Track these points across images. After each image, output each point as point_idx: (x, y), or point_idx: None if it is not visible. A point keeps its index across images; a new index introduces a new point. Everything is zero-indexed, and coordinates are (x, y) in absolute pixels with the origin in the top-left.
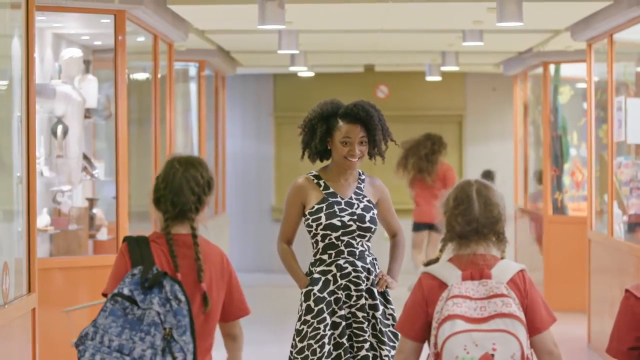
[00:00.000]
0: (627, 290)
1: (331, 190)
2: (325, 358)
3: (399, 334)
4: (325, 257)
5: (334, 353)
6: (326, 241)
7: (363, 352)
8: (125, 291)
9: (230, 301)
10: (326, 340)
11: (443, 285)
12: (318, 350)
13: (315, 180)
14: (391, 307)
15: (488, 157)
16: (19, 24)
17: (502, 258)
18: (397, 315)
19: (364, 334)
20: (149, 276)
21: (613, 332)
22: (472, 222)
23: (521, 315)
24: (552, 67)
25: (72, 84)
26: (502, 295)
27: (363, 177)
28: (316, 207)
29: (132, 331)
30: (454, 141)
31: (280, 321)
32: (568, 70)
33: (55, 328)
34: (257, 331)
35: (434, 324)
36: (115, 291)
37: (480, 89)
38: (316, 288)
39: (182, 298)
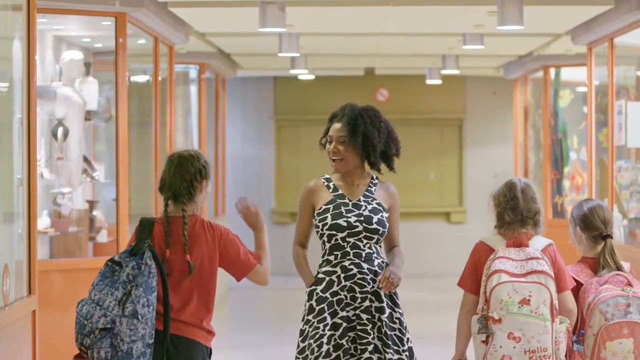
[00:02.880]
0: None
1: (340, 192)
2: (323, 358)
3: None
4: (331, 257)
5: (334, 354)
6: (332, 242)
7: (366, 355)
8: (116, 257)
9: (232, 266)
10: (325, 340)
11: (491, 250)
12: (316, 349)
13: (326, 183)
14: (399, 310)
15: (488, 160)
16: (20, 26)
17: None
18: (405, 319)
19: (368, 337)
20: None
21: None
22: (518, 214)
23: (552, 273)
24: (552, 71)
25: (73, 87)
26: (537, 258)
27: (375, 181)
28: (324, 207)
29: (110, 288)
30: (454, 144)
31: (281, 324)
32: (568, 73)
33: (55, 330)
34: (258, 334)
35: (484, 278)
36: (110, 257)
37: (480, 93)
38: (319, 288)
39: (149, 262)
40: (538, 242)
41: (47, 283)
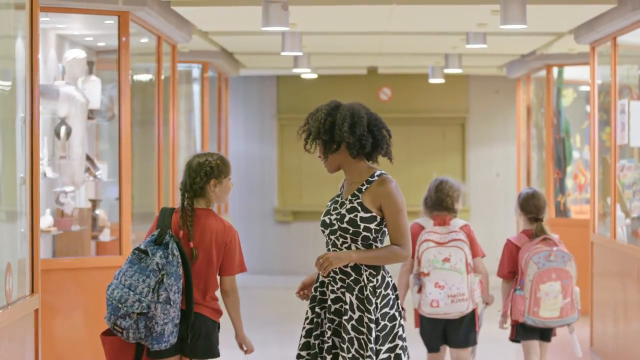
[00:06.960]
0: (508, 240)
1: (341, 191)
2: (301, 350)
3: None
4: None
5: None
6: (325, 238)
7: (323, 354)
8: (142, 246)
9: (224, 262)
10: (304, 333)
11: (422, 227)
12: (298, 340)
13: (343, 181)
14: (369, 316)
15: (491, 159)
16: (23, 24)
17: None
18: (387, 325)
19: (326, 335)
20: (161, 236)
21: (501, 263)
22: (442, 203)
23: (467, 241)
24: (555, 70)
25: (76, 85)
26: (455, 231)
27: (373, 179)
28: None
29: (140, 274)
30: (457, 144)
31: (284, 323)
32: (571, 72)
33: (58, 329)
34: (261, 332)
35: (417, 246)
36: (137, 246)
37: (483, 92)
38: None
39: (176, 253)
40: (456, 223)
41: (49, 282)
